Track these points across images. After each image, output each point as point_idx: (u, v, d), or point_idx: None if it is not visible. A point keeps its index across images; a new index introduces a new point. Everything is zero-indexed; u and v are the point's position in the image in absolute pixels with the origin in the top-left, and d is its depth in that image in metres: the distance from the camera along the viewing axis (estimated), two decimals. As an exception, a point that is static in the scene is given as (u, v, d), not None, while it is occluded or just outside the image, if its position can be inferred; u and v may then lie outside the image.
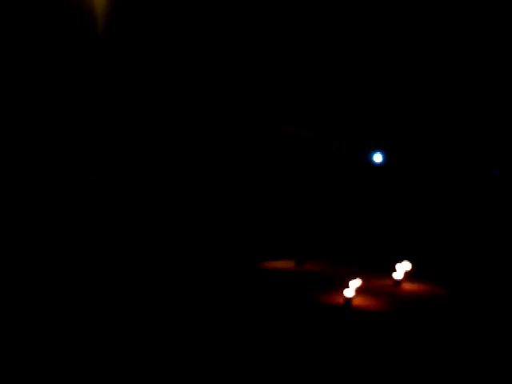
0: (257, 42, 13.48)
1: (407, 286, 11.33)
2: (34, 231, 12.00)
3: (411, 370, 7.83)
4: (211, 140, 13.52)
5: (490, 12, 13.49)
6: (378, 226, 13.77)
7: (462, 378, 7.72)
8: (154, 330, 8.73)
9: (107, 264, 11.33)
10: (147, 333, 8.60)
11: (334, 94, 13.83)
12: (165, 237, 12.44)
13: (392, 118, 14.02)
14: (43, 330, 8.59)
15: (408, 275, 11.48)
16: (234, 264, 11.92)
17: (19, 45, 12.83)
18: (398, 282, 11.32)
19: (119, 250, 11.89)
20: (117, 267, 11.24)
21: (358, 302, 10.16)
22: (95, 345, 8.18)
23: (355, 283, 10.34)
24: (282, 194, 13.57)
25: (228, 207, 13.24)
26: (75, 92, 13.03)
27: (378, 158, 13.78)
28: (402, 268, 11.48)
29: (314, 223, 13.47)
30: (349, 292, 10.07)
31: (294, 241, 12.93)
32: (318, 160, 13.66)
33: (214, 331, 8.79)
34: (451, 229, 13.75)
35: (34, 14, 12.82)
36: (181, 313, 9.47)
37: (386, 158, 13.84)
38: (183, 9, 13.24)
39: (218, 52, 13.43)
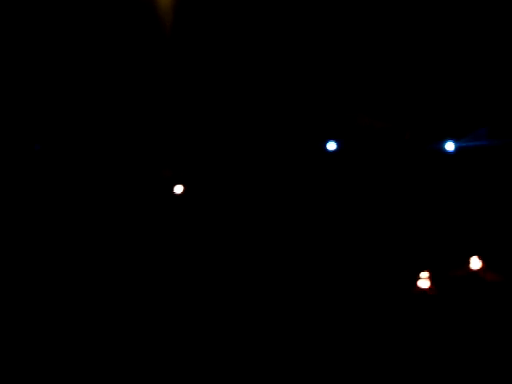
0: (333, 39, 13.48)
1: (485, 276, 11.17)
2: (106, 227, 12.20)
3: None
4: (288, 134, 13.54)
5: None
6: (451, 216, 13.62)
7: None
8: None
9: (184, 258, 11.44)
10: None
11: (404, 83, 13.75)
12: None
13: (464, 106, 13.85)
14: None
15: (485, 266, 11.30)
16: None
17: (87, 42, 13.03)
18: (475, 273, 11.17)
19: (198, 245, 11.97)
20: (196, 262, 11.33)
21: (434, 292, 10.09)
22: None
23: (429, 274, 10.27)
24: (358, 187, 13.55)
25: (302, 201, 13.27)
26: (149, 87, 13.19)
27: (450, 146, 13.60)
28: (478, 259, 11.30)
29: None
30: (424, 283, 10.03)
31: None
32: (390, 150, 13.59)
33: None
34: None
35: (99, 10, 13.00)
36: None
37: (458, 146, 13.66)
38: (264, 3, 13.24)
39: (291, 46, 13.44)
